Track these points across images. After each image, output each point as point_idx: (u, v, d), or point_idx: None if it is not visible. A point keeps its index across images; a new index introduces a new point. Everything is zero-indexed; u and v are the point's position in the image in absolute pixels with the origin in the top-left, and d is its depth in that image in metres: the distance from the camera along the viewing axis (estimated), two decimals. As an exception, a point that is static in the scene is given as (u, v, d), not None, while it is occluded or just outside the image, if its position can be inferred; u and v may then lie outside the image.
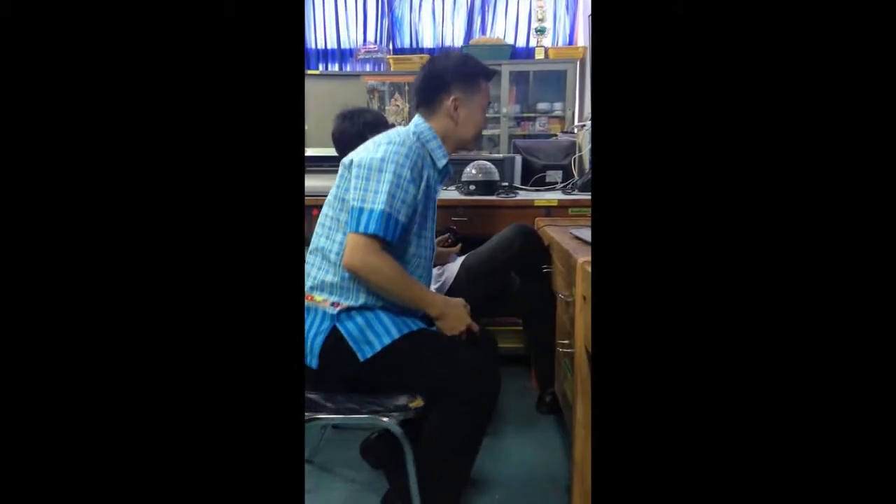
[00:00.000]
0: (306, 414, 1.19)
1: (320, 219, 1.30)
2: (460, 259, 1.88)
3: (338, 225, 1.24)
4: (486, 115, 1.39)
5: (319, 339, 1.21)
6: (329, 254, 1.24)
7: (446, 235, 1.98)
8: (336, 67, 4.99)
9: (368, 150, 1.22)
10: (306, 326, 1.23)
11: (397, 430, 1.16)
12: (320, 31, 5.07)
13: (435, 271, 1.86)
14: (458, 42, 4.90)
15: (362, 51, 4.82)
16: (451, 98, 1.29)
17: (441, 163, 1.31)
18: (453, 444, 1.18)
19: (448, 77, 1.29)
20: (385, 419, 1.17)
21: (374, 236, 1.15)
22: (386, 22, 5.02)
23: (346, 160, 1.26)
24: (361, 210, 1.15)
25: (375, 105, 4.37)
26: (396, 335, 1.21)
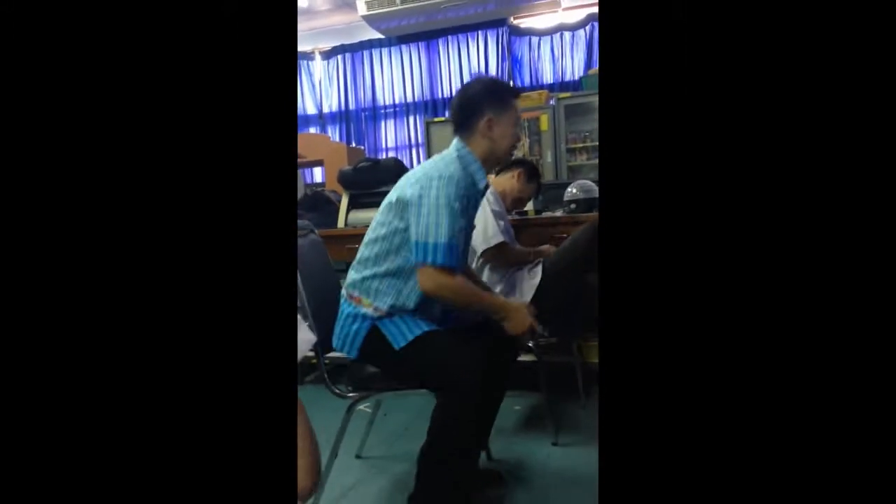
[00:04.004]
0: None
1: (367, 237, 1.44)
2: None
3: (390, 248, 1.37)
4: (517, 129, 1.47)
5: (361, 335, 1.38)
6: (379, 267, 1.38)
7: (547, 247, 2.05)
8: (461, 113, 5.26)
9: (423, 187, 1.33)
10: (348, 324, 1.40)
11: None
12: (446, 80, 5.41)
13: (527, 271, 1.90)
14: (578, 73, 4.91)
15: (484, 94, 5.04)
16: (486, 119, 1.39)
17: (481, 184, 1.42)
18: (446, 433, 1.25)
19: (480, 100, 1.40)
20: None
21: (443, 266, 1.29)
22: (506, 64, 5.21)
23: (393, 196, 1.39)
24: (427, 244, 1.29)
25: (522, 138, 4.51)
26: (426, 328, 1.35)
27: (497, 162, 1.47)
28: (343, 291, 1.46)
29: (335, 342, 1.42)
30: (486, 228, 1.91)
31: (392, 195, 1.40)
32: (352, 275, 1.44)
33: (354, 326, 1.38)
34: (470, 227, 1.45)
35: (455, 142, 1.44)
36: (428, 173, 1.35)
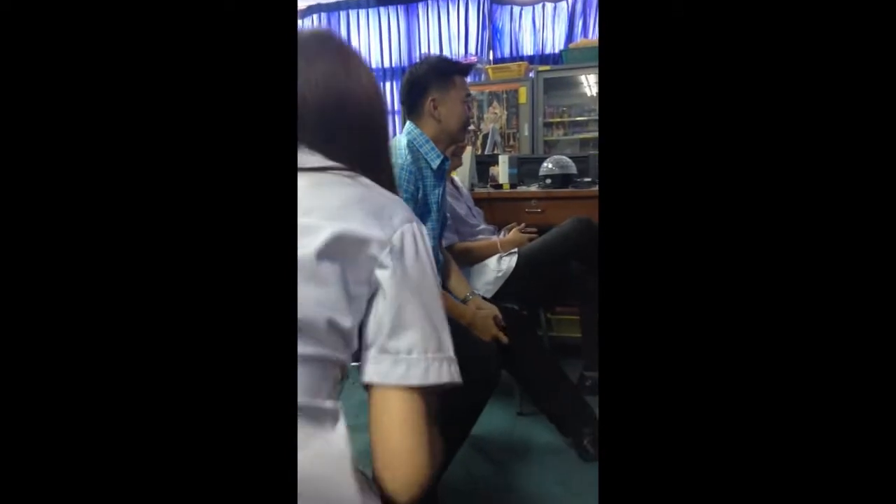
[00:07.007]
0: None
1: None
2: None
3: None
4: (468, 106, 1.46)
5: None
6: None
7: (522, 225, 2.00)
8: (439, 81, 5.18)
9: None
10: None
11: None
12: (424, 46, 5.29)
13: (496, 260, 1.87)
14: (559, 47, 4.86)
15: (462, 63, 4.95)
16: (430, 99, 1.40)
17: (435, 164, 1.42)
18: (452, 411, 1.26)
19: (423, 81, 1.40)
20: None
21: None
22: (486, 33, 5.12)
23: None
24: None
25: (474, 114, 4.46)
26: None
27: (450, 140, 1.45)
28: None
29: None
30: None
31: None
32: None
33: None
34: (426, 206, 1.44)
35: (406, 125, 1.44)
36: None
